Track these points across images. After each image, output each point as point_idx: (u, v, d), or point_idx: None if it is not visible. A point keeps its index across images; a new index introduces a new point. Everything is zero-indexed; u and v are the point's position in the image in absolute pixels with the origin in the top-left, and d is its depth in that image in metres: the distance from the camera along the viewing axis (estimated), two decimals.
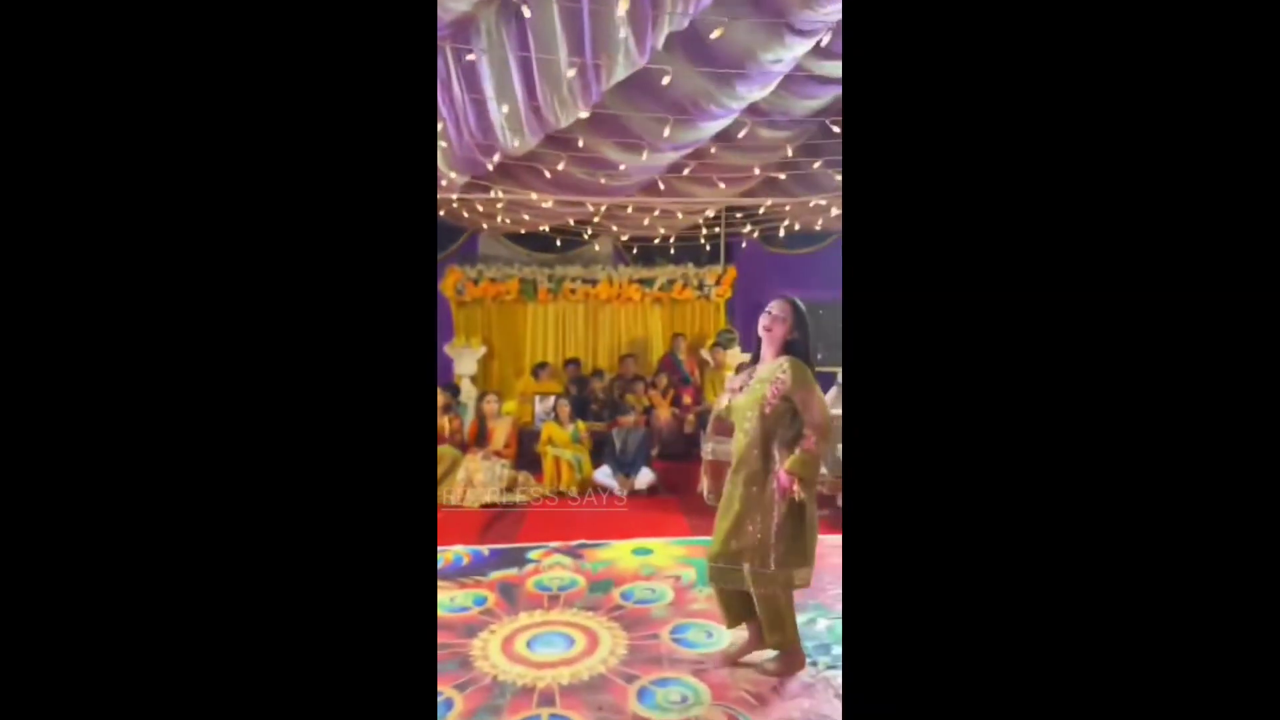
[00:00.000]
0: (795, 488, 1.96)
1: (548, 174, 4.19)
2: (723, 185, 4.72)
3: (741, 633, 2.23)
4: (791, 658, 2.13)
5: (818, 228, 5.89)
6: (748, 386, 2.11)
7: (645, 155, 4.00)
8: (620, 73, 3.00)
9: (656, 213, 5.16)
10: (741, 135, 3.97)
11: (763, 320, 2.06)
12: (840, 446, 4.28)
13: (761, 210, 5.14)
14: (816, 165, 4.45)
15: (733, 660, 2.19)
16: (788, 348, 2.05)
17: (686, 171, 4.51)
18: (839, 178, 4.43)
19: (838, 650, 2.29)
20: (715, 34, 2.84)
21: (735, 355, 5.47)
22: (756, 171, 4.59)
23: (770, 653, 2.16)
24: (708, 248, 6.04)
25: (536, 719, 1.90)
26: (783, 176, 4.67)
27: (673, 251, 5.87)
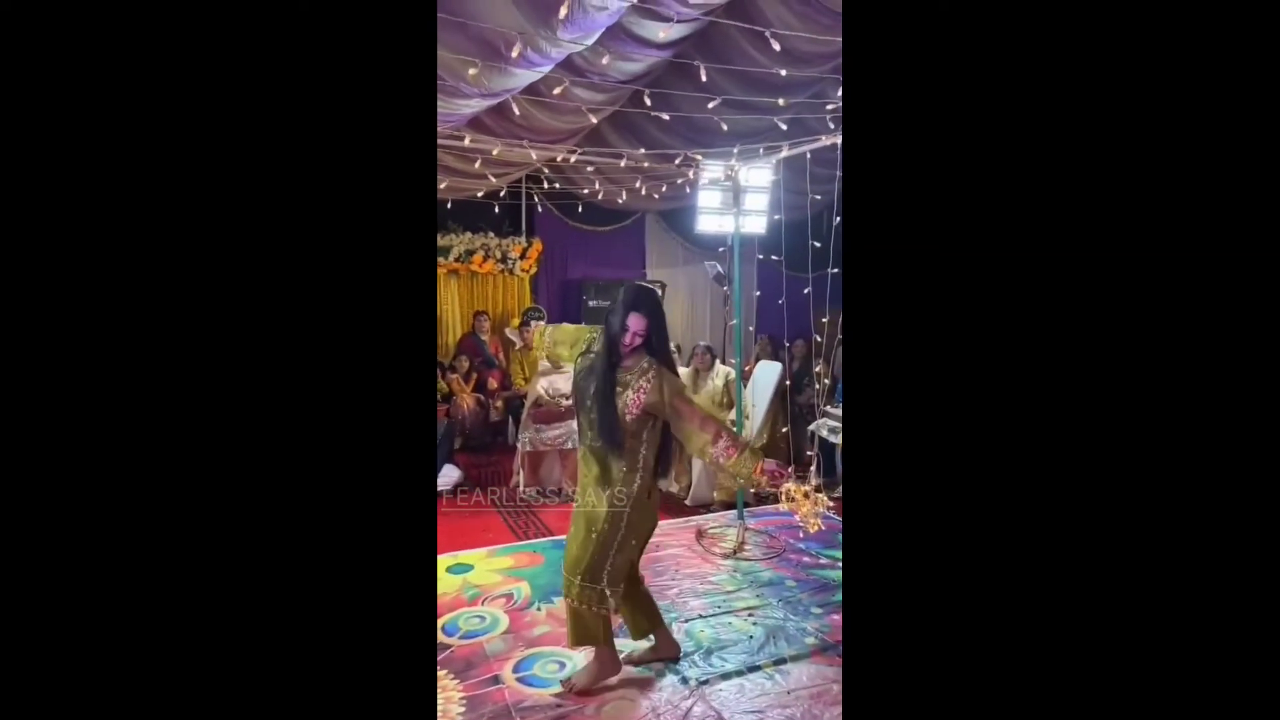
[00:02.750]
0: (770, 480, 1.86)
1: None
2: (529, 147, 4.26)
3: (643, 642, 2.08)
4: (592, 656, 1.97)
5: (620, 201, 5.71)
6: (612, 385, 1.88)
7: (441, 98, 3.38)
8: None
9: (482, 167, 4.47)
10: (556, 93, 3.56)
11: (624, 338, 1.84)
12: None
13: (575, 161, 4.74)
14: (628, 133, 4.22)
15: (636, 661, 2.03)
16: (647, 346, 1.87)
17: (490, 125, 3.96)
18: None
19: (701, 660, 2.11)
20: None
21: None
22: (567, 135, 4.21)
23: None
24: (497, 211, 5.44)
25: None
26: (597, 134, 4.35)
27: (450, 206, 5.10)
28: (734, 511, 3.37)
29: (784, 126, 3.22)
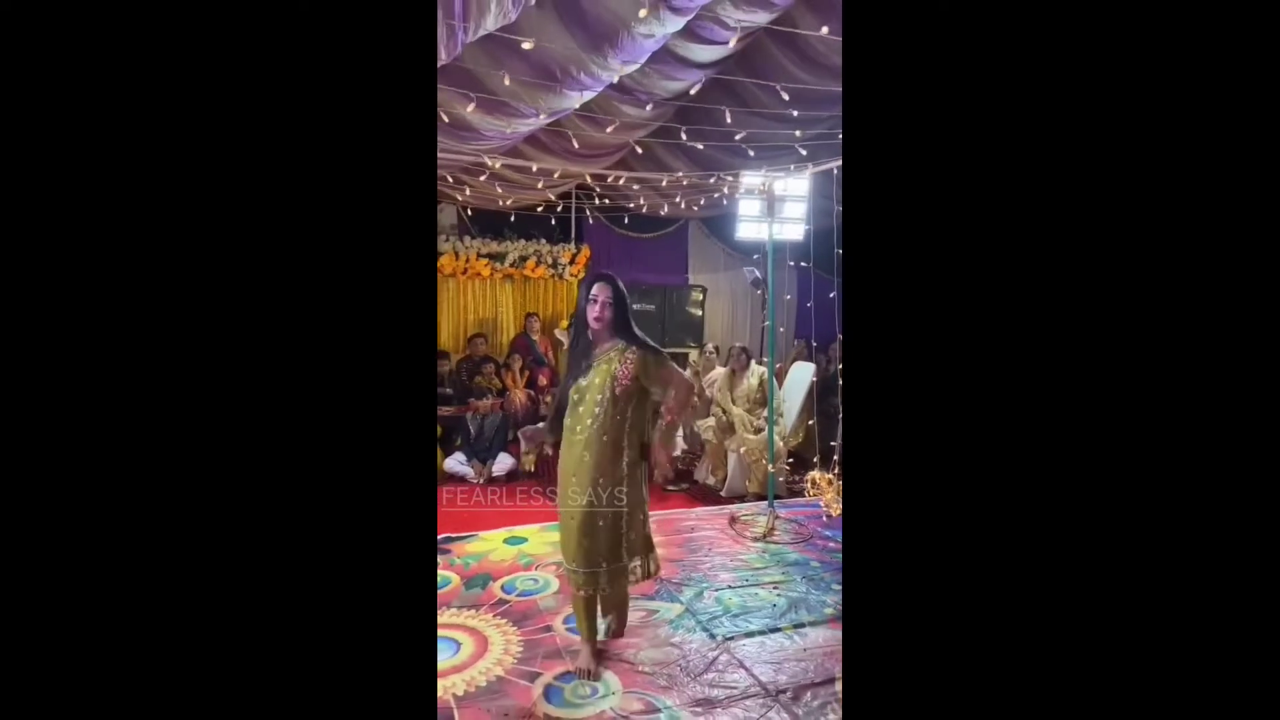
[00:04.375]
0: (666, 459, 1.98)
1: None
2: (580, 161, 4.60)
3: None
4: (621, 612, 2.18)
5: (663, 213, 6.00)
6: (588, 368, 1.98)
7: (503, 119, 3.74)
8: (490, 23, 2.75)
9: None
10: (604, 111, 3.89)
11: (592, 311, 1.93)
12: (696, 422, 4.45)
13: (624, 181, 5.09)
14: (673, 147, 4.51)
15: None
16: (618, 327, 1.96)
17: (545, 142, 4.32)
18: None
19: (728, 621, 2.36)
20: None
21: None
22: (615, 150, 4.53)
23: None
24: (553, 223, 5.85)
25: None
26: (642, 151, 4.67)
27: (512, 219, 5.53)
28: (766, 502, 3.60)
29: (804, 152, 3.46)
